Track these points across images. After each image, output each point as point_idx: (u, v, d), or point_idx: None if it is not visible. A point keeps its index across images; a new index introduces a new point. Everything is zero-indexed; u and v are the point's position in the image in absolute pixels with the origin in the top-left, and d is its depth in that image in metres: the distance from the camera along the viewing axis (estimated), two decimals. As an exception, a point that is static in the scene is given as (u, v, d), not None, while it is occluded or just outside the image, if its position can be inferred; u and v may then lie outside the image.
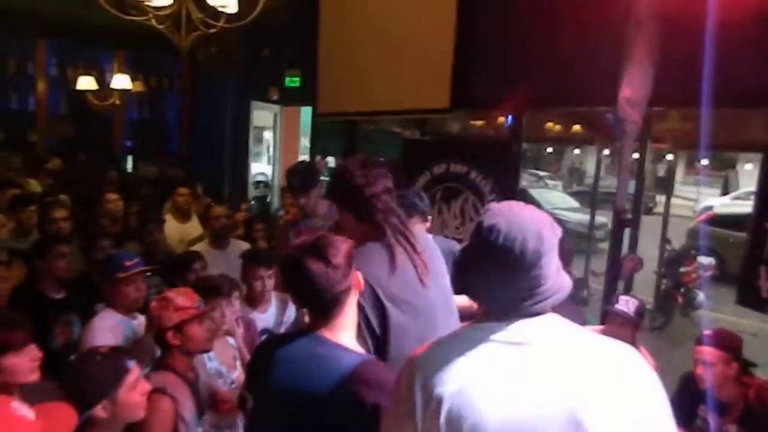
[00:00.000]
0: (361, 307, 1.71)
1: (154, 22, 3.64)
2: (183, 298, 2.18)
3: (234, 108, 7.61)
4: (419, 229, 2.44)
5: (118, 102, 7.81)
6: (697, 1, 2.91)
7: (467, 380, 1.13)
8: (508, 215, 1.16)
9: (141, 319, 2.67)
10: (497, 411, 1.09)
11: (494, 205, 1.22)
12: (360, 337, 1.73)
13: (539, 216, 1.19)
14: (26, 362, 1.92)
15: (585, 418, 1.06)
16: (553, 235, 1.16)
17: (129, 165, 8.74)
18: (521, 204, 1.23)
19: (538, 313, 1.16)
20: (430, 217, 3.01)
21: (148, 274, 2.91)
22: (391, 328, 1.78)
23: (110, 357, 1.79)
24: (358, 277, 1.58)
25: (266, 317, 3.11)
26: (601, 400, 1.07)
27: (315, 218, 3.39)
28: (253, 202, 7.49)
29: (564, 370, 1.10)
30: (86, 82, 7.49)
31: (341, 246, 1.53)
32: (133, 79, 7.84)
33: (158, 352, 2.21)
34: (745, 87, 3.00)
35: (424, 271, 1.88)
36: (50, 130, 8.00)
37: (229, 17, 3.76)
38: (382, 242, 1.86)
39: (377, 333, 1.77)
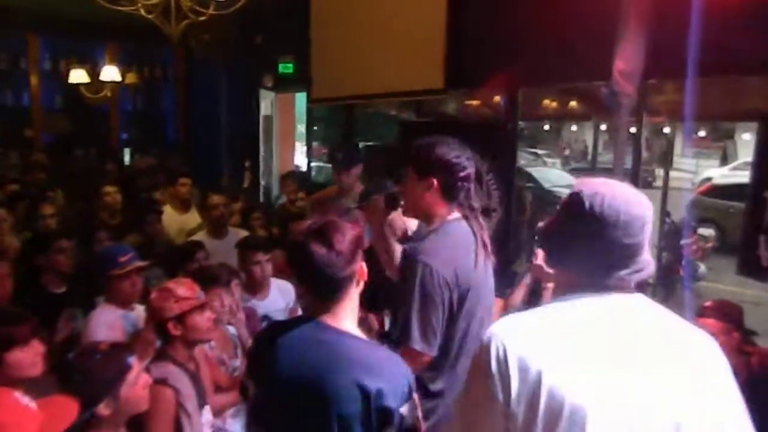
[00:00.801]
0: (439, 286, 1.80)
1: (143, 12, 3.61)
2: (183, 288, 2.18)
3: (231, 96, 7.56)
4: None
5: (109, 94, 7.76)
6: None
7: (567, 359, 1.08)
8: (608, 185, 1.17)
9: (140, 310, 2.68)
10: (599, 396, 1.05)
11: (586, 179, 1.23)
12: (427, 317, 1.80)
13: (636, 191, 1.20)
14: (30, 356, 1.93)
15: (676, 412, 1.06)
16: (649, 209, 1.17)
17: (126, 157, 8.73)
18: (614, 180, 1.23)
19: (627, 287, 1.15)
20: None
21: (149, 265, 2.92)
22: (463, 311, 1.86)
23: (110, 354, 1.80)
24: (363, 267, 1.57)
25: (266, 304, 3.12)
26: (700, 404, 1.07)
27: (347, 198, 3.41)
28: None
29: (665, 364, 1.09)
30: (78, 75, 7.45)
31: (348, 232, 1.52)
32: (126, 71, 7.79)
33: (158, 343, 2.22)
34: (737, 55, 2.98)
35: (486, 255, 1.98)
36: (46, 126, 7.97)
37: (219, 4, 3.73)
38: (468, 224, 1.95)
39: (450, 313, 1.85)
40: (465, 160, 1.96)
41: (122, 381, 1.75)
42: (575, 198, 1.17)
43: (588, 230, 1.14)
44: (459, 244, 1.93)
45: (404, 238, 2.78)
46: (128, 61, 8.19)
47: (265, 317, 3.00)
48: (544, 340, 1.11)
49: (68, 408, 1.59)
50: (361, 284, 1.60)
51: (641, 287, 2.74)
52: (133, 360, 1.82)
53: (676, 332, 1.16)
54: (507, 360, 1.10)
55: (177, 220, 4.71)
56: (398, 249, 2.12)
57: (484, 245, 1.98)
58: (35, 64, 7.76)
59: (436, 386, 1.92)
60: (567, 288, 1.20)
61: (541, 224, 1.27)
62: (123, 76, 7.85)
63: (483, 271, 1.98)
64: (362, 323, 2.07)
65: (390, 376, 1.45)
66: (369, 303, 2.92)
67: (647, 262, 1.16)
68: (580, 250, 1.16)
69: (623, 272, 1.13)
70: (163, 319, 2.13)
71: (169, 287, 2.19)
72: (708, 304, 2.55)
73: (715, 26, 2.83)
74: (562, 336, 1.11)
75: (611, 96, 2.99)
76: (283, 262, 3.45)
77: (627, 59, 2.93)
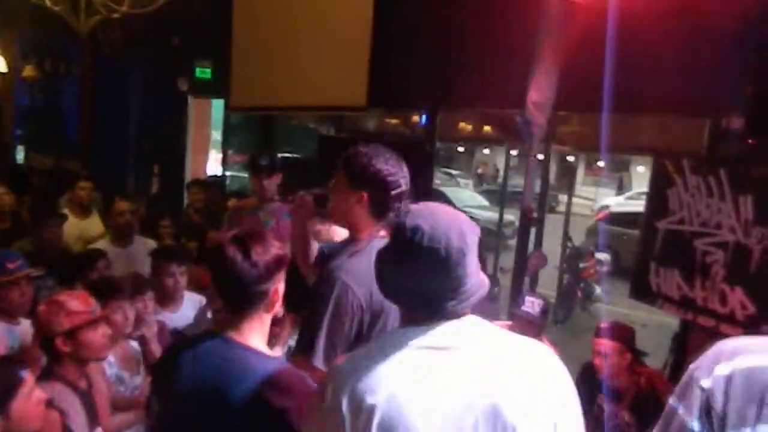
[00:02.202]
0: (352, 308, 1.71)
1: (48, 3, 3.37)
2: (77, 302, 2.03)
3: (142, 98, 7.21)
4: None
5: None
6: (599, 13, 3.09)
7: (397, 388, 1.10)
8: (430, 216, 1.14)
9: (25, 325, 2.46)
10: (428, 418, 1.08)
11: (413, 206, 1.20)
12: (333, 337, 1.71)
13: (459, 215, 1.19)
14: None
15: (507, 413, 1.08)
16: (473, 234, 1.16)
17: (20, 155, 8.08)
18: (439, 204, 1.23)
19: (460, 314, 1.16)
20: None
21: (40, 275, 2.70)
22: (372, 334, 1.76)
23: (1, 367, 1.65)
24: (278, 290, 1.52)
25: (177, 317, 2.98)
26: (523, 400, 1.09)
27: (266, 208, 3.34)
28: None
29: (489, 373, 1.11)
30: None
31: (271, 249, 1.48)
32: (25, 63, 7.23)
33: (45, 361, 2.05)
34: (638, 94, 3.23)
35: None
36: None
37: (134, 2, 3.55)
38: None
39: (357, 336, 1.74)
40: (400, 177, 1.82)
41: (14, 396, 1.61)
42: (398, 231, 1.15)
43: (408, 267, 1.14)
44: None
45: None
46: (27, 52, 7.61)
47: (176, 331, 2.85)
48: (374, 373, 1.12)
49: None
50: (274, 311, 1.55)
51: (544, 314, 2.87)
52: (26, 373, 1.67)
53: (512, 347, 1.19)
54: (339, 398, 1.11)
55: (76, 227, 4.40)
56: (315, 247, 2.06)
57: None
58: None
59: None
60: (401, 320, 1.22)
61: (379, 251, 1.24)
62: (20, 67, 7.28)
63: None
64: (278, 323, 2.01)
65: (297, 395, 1.42)
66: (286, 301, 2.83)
67: (478, 285, 1.17)
68: (404, 286, 1.16)
69: (450, 303, 1.15)
70: (51, 335, 1.97)
71: (59, 300, 2.03)
72: (603, 325, 2.71)
73: (620, 66, 3.06)
74: (392, 368, 1.12)
75: (524, 125, 3.15)
76: (197, 275, 3.33)
77: (540, 91, 3.10)
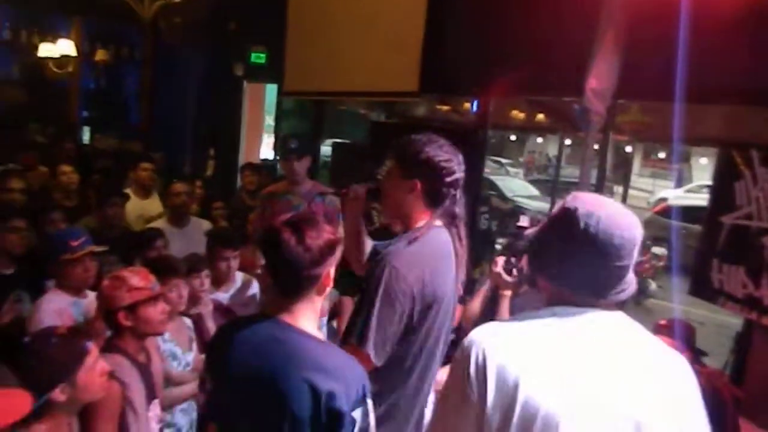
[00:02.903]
0: (403, 295, 1.69)
1: (115, -11, 3.48)
2: (138, 278, 2.10)
3: (199, 83, 7.39)
4: None
5: (70, 69, 7.46)
6: (666, -4, 2.95)
7: (545, 369, 1.11)
8: (600, 204, 1.18)
9: (91, 298, 2.57)
10: (572, 409, 1.08)
11: (581, 194, 1.23)
12: (384, 324, 1.68)
13: (624, 208, 1.22)
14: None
15: (648, 428, 1.09)
16: (639, 230, 1.19)
17: (86, 136, 8.43)
18: (602, 196, 1.27)
19: (612, 306, 1.18)
20: None
21: (104, 251, 2.81)
22: (423, 327, 1.75)
23: (68, 338, 1.73)
24: (329, 274, 1.54)
25: (226, 297, 3.06)
26: (665, 418, 1.11)
27: (297, 191, 3.37)
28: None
29: (635, 378, 1.12)
30: (49, 49, 7.14)
31: (323, 234, 1.50)
32: (91, 48, 7.52)
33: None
34: (704, 83, 3.07)
35: (460, 271, 1.88)
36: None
37: (194, -13, 3.63)
38: (450, 234, 1.82)
39: (407, 327, 1.73)
40: (455, 164, 1.79)
41: (80, 366, 1.68)
42: (570, 215, 1.17)
43: (580, 251, 1.15)
44: (436, 256, 1.79)
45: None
46: (94, 37, 7.92)
47: (228, 310, 2.94)
48: (523, 350, 1.13)
49: (21, 402, 1.50)
50: (326, 293, 1.56)
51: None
52: (91, 345, 1.74)
53: (652, 351, 1.19)
54: (486, 367, 1.12)
55: (137, 206, 4.57)
56: (368, 245, 2.03)
57: (462, 260, 1.86)
58: (-6, 34, 7.46)
59: (378, 402, 1.67)
60: (550, 299, 1.22)
61: (530, 231, 1.28)
62: (91, 52, 7.59)
63: (452, 287, 1.85)
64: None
65: (343, 378, 1.44)
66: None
67: (631, 281, 1.19)
68: (570, 268, 1.17)
69: (608, 292, 1.16)
70: (114, 309, 2.05)
71: (122, 275, 2.11)
72: (663, 322, 2.62)
73: (685, 53, 2.91)
74: (541, 347, 1.14)
75: (582, 113, 3.04)
76: (248, 257, 3.41)
77: (600, 78, 2.99)
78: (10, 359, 1.63)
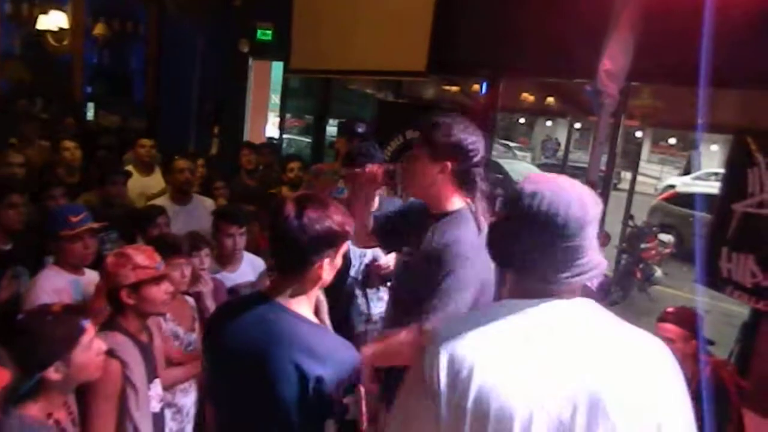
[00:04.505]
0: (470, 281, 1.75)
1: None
2: (143, 256, 2.06)
3: (204, 59, 7.29)
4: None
5: (65, 42, 7.33)
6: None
7: (498, 361, 1.08)
8: (550, 183, 1.13)
9: (90, 276, 2.54)
10: (526, 402, 1.05)
11: (533, 175, 1.20)
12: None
13: (582, 186, 1.16)
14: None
15: (610, 409, 1.02)
16: (595, 206, 1.13)
17: (90, 113, 8.37)
18: (560, 175, 1.20)
19: (573, 291, 1.13)
20: None
21: (104, 228, 2.78)
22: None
23: (63, 316, 1.69)
24: (323, 267, 1.48)
25: (235, 277, 3.03)
26: (629, 396, 1.04)
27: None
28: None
29: (596, 363, 1.07)
30: (49, 21, 7.02)
31: (325, 222, 1.44)
32: (94, 22, 7.43)
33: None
34: (720, 68, 2.99)
35: None
36: (2, 72, 7.58)
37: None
38: (474, 215, 1.87)
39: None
40: (480, 144, 1.87)
41: (75, 345, 1.65)
42: (517, 195, 1.14)
43: (524, 230, 1.11)
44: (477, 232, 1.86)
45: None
46: (97, 12, 7.82)
47: (233, 290, 2.91)
48: (478, 341, 1.10)
49: None
50: (318, 284, 1.52)
51: (602, 290, 2.76)
52: (87, 324, 1.71)
53: (622, 336, 1.13)
54: (438, 360, 1.10)
55: (139, 183, 4.53)
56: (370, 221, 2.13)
57: None
58: (-5, 7, 7.37)
59: None
60: (512, 290, 1.18)
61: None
62: (91, 26, 7.49)
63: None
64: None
65: (334, 363, 1.40)
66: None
67: (594, 263, 1.13)
68: (519, 249, 1.13)
69: (564, 275, 1.11)
70: (117, 287, 2.02)
71: (127, 253, 2.07)
72: (669, 309, 2.58)
73: (701, 36, 2.83)
74: (497, 338, 1.10)
75: (594, 95, 2.96)
76: (256, 237, 3.37)
77: (614, 59, 2.90)
78: (4, 336, 1.60)
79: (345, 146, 3.36)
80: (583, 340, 1.09)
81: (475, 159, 1.86)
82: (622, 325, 1.15)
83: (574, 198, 1.10)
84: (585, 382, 1.04)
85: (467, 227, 1.83)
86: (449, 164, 1.84)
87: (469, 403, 1.06)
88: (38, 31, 7.15)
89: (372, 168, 2.06)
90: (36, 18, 7.17)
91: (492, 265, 1.77)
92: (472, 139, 1.84)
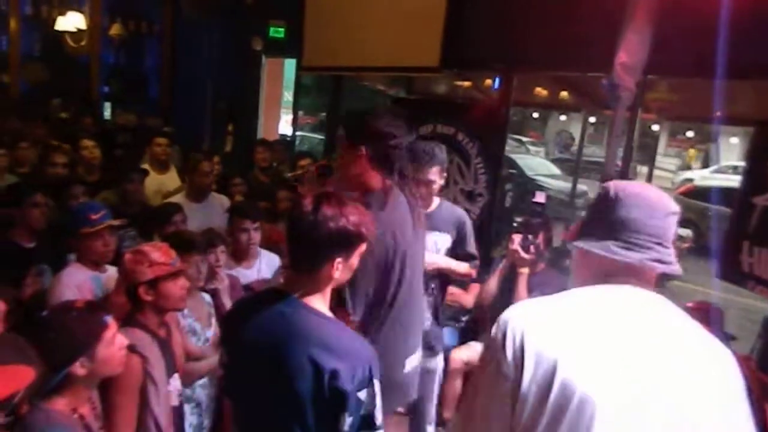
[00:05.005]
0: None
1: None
2: (159, 253, 2.10)
3: (218, 58, 7.34)
4: (438, 181, 2.69)
5: (83, 43, 7.42)
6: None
7: (583, 351, 1.08)
8: (638, 185, 1.25)
9: (111, 272, 2.58)
10: (610, 390, 1.06)
11: (618, 182, 1.28)
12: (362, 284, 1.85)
13: (664, 193, 1.26)
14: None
15: (691, 412, 1.06)
16: (675, 209, 1.22)
17: (107, 112, 8.46)
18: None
19: (647, 279, 1.18)
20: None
21: (123, 225, 2.81)
22: (394, 276, 1.96)
23: (86, 312, 1.73)
24: (335, 266, 1.50)
25: (250, 273, 3.05)
26: (709, 400, 1.08)
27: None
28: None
29: (677, 365, 1.09)
30: (67, 22, 7.11)
31: (341, 221, 1.46)
32: (111, 23, 7.50)
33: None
34: (738, 59, 2.94)
35: (419, 223, 2.11)
36: (23, 73, 7.68)
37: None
38: (403, 193, 2.05)
39: (383, 276, 1.93)
40: (395, 129, 2.01)
41: (99, 340, 1.68)
42: (602, 189, 1.25)
43: (608, 210, 1.20)
44: (397, 209, 2.02)
45: None
46: (113, 12, 7.89)
47: (248, 287, 2.93)
48: (561, 330, 1.11)
49: (23, 374, 1.48)
50: (331, 284, 1.55)
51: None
52: (109, 319, 1.74)
53: (691, 335, 1.15)
54: (523, 347, 1.10)
55: (155, 181, 4.58)
56: None
57: (418, 214, 2.11)
58: (16, 8, 7.45)
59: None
60: (588, 276, 1.21)
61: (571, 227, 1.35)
62: (110, 27, 7.56)
63: (415, 238, 2.08)
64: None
65: (349, 358, 1.42)
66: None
67: (671, 256, 1.17)
68: (599, 223, 1.21)
69: (642, 255, 1.15)
70: (135, 283, 2.05)
71: (144, 250, 2.10)
72: (690, 304, 2.56)
73: (719, 28, 2.79)
74: (578, 327, 1.11)
75: (611, 89, 2.93)
76: (271, 234, 3.39)
77: (631, 52, 2.86)
78: (30, 333, 1.62)
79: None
80: (661, 335, 1.12)
81: (391, 142, 1.99)
82: (692, 323, 1.18)
83: (657, 196, 1.22)
84: (670, 388, 1.06)
85: (386, 207, 1.97)
86: (363, 149, 2.00)
87: (553, 393, 1.06)
88: (57, 32, 7.23)
89: (307, 166, 2.27)
90: (54, 19, 7.25)
91: (406, 235, 2.01)
92: (385, 123, 2.00)
